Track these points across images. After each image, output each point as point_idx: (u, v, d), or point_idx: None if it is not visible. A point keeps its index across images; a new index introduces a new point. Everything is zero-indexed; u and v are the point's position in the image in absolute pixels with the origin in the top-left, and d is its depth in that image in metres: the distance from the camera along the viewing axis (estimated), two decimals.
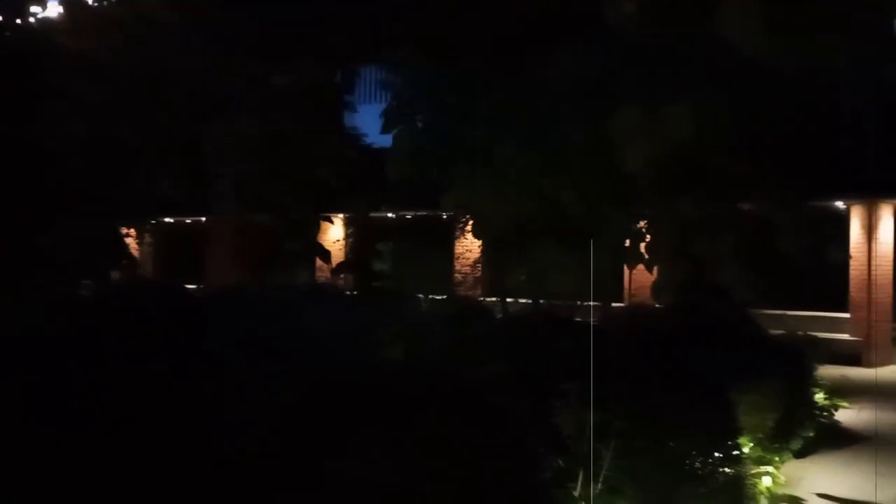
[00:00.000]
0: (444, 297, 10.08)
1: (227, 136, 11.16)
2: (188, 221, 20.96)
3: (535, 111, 5.63)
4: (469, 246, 15.29)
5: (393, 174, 6.61)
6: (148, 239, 19.87)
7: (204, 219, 20.10)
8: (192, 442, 2.24)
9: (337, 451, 2.17)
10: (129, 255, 15.43)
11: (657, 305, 11.55)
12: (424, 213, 16.35)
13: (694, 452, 4.86)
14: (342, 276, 14.40)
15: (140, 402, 2.37)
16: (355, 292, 10.99)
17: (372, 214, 18.49)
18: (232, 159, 11.48)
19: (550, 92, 5.46)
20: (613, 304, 11.23)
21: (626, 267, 12.51)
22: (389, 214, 18.33)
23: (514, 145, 5.75)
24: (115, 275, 13.68)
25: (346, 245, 16.66)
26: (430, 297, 8.52)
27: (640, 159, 4.69)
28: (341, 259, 15.92)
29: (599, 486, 4.41)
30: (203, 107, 11.52)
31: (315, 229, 15.09)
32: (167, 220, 20.65)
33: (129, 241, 17.88)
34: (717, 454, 5.14)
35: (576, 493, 4.33)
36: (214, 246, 18.87)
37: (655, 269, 6.78)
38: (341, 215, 17.57)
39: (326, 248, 16.54)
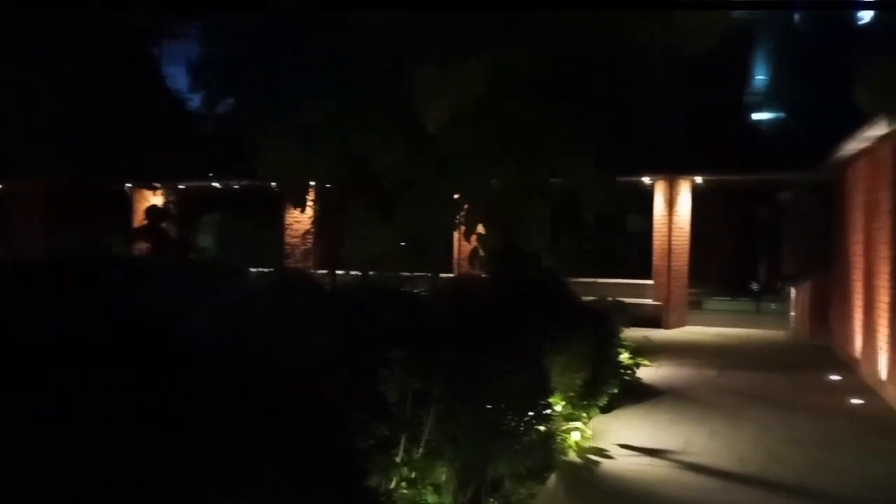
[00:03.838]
0: (271, 269, 9.83)
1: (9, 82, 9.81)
2: None
3: (343, 69, 5.54)
4: (298, 217, 15.01)
5: (204, 135, 6.28)
6: None
7: (1, 185, 18.21)
8: None
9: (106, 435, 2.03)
10: None
11: (483, 275, 11.97)
12: (252, 183, 15.82)
13: (509, 413, 5.12)
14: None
15: None
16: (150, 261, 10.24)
17: (196, 184, 17.64)
18: (15, 110, 10.17)
19: (357, 49, 5.39)
20: (442, 274, 11.56)
21: (455, 236, 12.89)
22: (215, 184, 17.60)
23: (323, 107, 5.64)
24: None
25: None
26: (255, 269, 8.28)
27: (441, 119, 4.79)
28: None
29: (421, 450, 4.53)
30: None
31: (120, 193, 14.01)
32: None
33: None
34: (530, 413, 5.46)
35: (398, 459, 4.43)
36: (17, 213, 17.19)
37: (473, 237, 7.03)
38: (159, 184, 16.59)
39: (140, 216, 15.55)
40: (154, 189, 14.49)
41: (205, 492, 2.27)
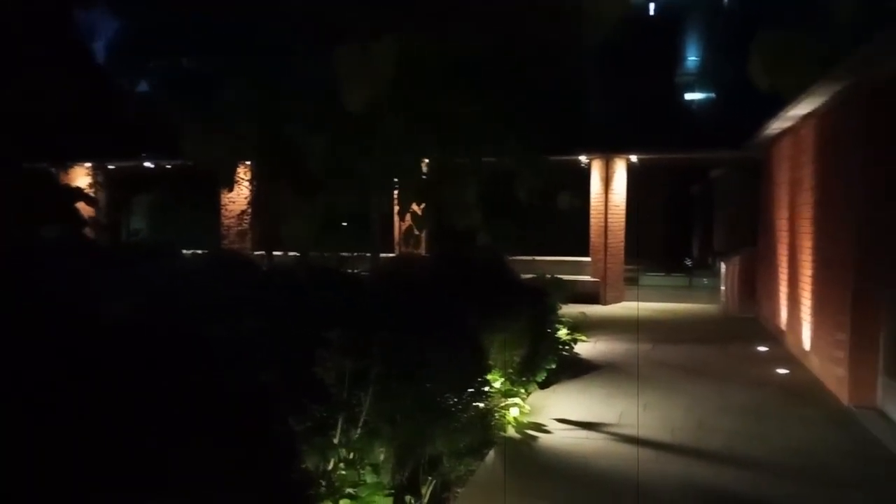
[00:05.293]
0: (207, 251, 9.61)
1: None
2: None
3: (261, 52, 5.42)
4: (233, 197, 14.70)
5: (128, 118, 6.07)
6: None
7: None
8: None
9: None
10: None
11: (424, 254, 11.95)
12: (186, 163, 15.41)
13: (447, 392, 5.15)
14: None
15: None
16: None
17: (126, 164, 17.11)
18: None
19: (277, 32, 5.29)
20: (382, 254, 11.51)
21: (396, 217, 12.83)
22: (147, 164, 17.11)
23: (245, 88, 5.52)
24: None
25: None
26: (190, 250, 8.08)
27: (360, 99, 4.75)
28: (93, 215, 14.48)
29: (359, 430, 4.52)
30: None
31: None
32: None
33: None
34: (469, 391, 5.51)
35: (336, 440, 4.41)
36: None
37: (408, 216, 7.00)
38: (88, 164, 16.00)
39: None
40: (65, 169, 13.91)
41: (130, 481, 2.21)
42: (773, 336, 11.41)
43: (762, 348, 10.54)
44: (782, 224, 11.11)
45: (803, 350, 9.32)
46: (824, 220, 8.54)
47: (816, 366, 8.64)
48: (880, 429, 6.49)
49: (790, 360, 9.63)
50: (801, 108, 9.00)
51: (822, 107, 8.60)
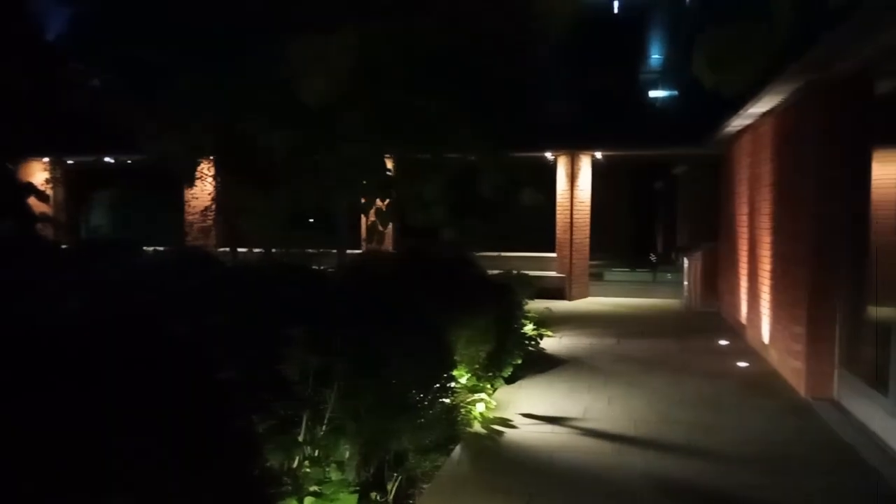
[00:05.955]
0: (168, 247, 9.46)
1: None
2: None
3: (219, 39, 5.33)
4: (196, 193, 14.48)
5: (85, 111, 5.94)
6: None
7: None
8: None
9: None
10: None
11: (391, 250, 11.90)
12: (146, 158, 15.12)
13: (413, 387, 5.15)
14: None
15: None
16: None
17: (86, 158, 16.80)
18: None
19: (232, 24, 5.21)
20: (350, 251, 11.44)
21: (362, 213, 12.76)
22: (108, 159, 16.79)
23: (201, 79, 5.43)
24: None
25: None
26: (152, 247, 7.95)
27: (318, 93, 4.71)
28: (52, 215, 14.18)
29: (324, 428, 4.50)
30: None
31: None
32: None
33: None
34: (435, 387, 5.51)
35: (300, 438, 4.38)
36: None
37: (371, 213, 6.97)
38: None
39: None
40: (19, 164, 13.59)
41: (84, 482, 2.17)
42: (733, 330, 11.62)
43: (723, 342, 10.73)
44: (742, 220, 11.31)
45: (762, 343, 9.51)
46: (782, 216, 8.72)
47: (775, 359, 8.83)
48: (836, 419, 6.66)
49: (750, 353, 9.82)
50: (760, 106, 9.17)
51: (780, 104, 8.77)
